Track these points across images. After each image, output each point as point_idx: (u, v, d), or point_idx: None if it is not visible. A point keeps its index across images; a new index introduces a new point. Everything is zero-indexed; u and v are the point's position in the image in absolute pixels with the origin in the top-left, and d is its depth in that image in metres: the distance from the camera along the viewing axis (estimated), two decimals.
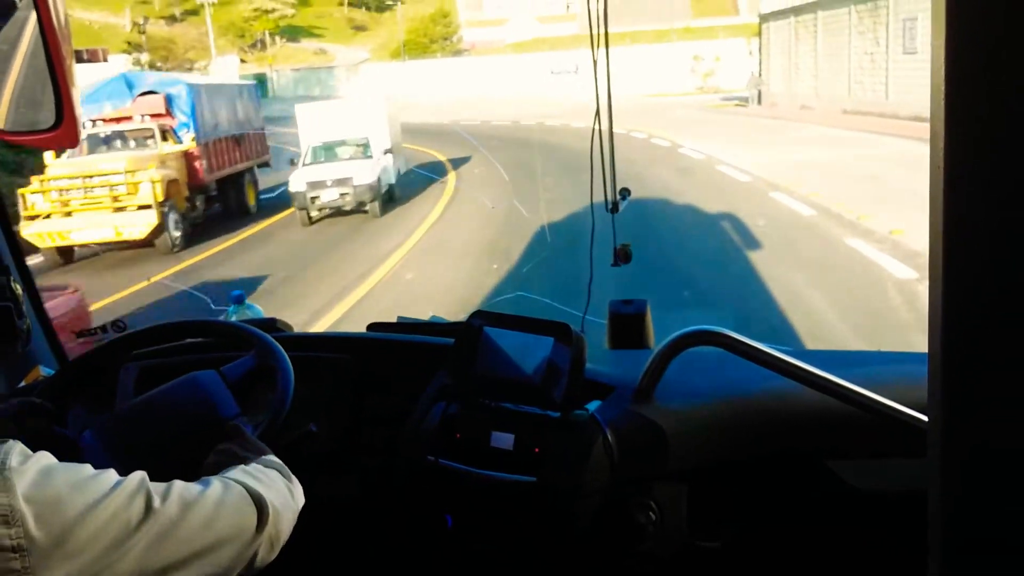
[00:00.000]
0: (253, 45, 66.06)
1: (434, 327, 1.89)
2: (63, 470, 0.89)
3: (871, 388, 1.33)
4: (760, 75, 29.10)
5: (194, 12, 67.10)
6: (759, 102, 28.07)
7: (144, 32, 56.20)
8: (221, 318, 1.98)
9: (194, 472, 1.10)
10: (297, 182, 13.22)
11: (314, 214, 13.24)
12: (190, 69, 51.43)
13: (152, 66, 50.09)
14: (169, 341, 1.72)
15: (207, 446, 1.25)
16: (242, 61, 60.68)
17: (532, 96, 35.58)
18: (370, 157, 13.72)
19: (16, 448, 0.86)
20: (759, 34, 30.44)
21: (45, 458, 0.88)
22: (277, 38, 66.71)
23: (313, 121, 15.67)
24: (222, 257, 11.75)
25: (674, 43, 40.56)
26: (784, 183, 11.87)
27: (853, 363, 1.63)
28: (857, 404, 1.33)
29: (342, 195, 12.93)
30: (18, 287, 1.83)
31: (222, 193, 14.95)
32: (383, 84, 42.81)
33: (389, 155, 14.37)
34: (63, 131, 1.29)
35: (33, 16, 1.20)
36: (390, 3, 71.66)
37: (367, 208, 13.10)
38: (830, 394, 1.35)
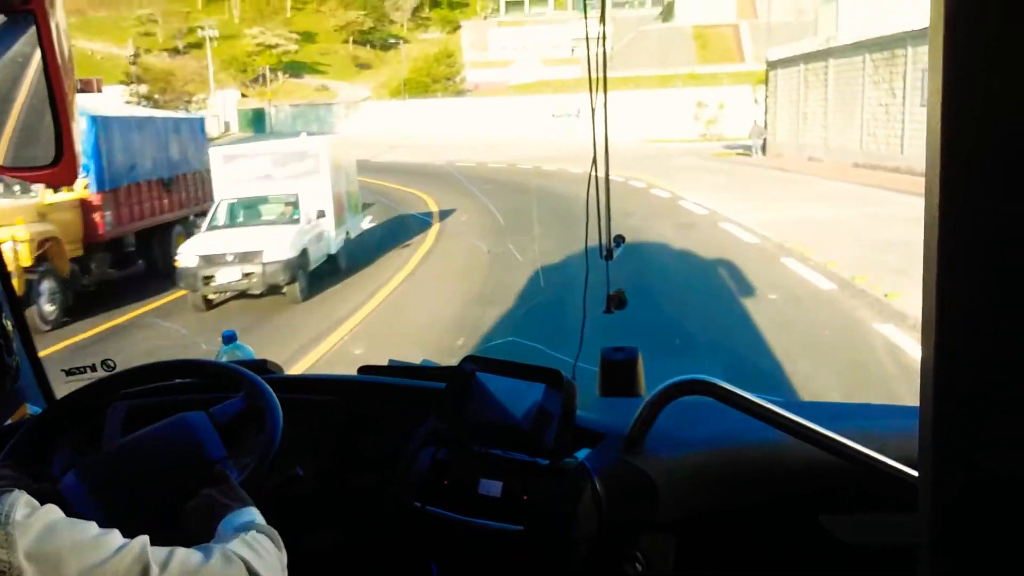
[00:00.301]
0: (255, 80, 65.85)
1: (425, 371, 1.87)
2: (68, 527, 0.89)
3: (862, 441, 1.31)
4: (764, 124, 28.54)
5: (197, 45, 67.33)
6: (763, 152, 27.34)
7: (135, 63, 55.96)
8: (212, 358, 1.93)
9: (176, 515, 1.18)
10: (187, 255, 9.93)
11: (212, 297, 10.09)
12: (188, 102, 51.08)
13: (149, 98, 49.56)
14: (158, 380, 1.70)
15: (192, 488, 1.26)
16: (243, 95, 60.24)
17: (533, 139, 34.87)
18: (296, 221, 10.60)
19: (21, 500, 0.86)
20: (765, 81, 29.82)
21: (51, 512, 0.89)
22: (280, 73, 66.39)
23: (231, 168, 12.09)
24: (90, 341, 8.98)
25: (678, 88, 40.01)
26: (795, 246, 10.82)
27: (844, 415, 1.62)
28: (847, 457, 1.31)
29: (246, 275, 9.64)
30: (8, 323, 1.82)
31: (144, 248, 12.46)
32: (382, 122, 42.18)
33: (326, 218, 11.21)
34: (62, 167, 1.29)
35: (37, 52, 1.19)
36: (394, 42, 71.67)
37: (283, 291, 9.92)
38: (820, 447, 1.33)
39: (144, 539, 0.94)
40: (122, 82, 51.82)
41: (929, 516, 0.58)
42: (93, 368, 1.89)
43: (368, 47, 72.21)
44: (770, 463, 1.46)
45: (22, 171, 1.37)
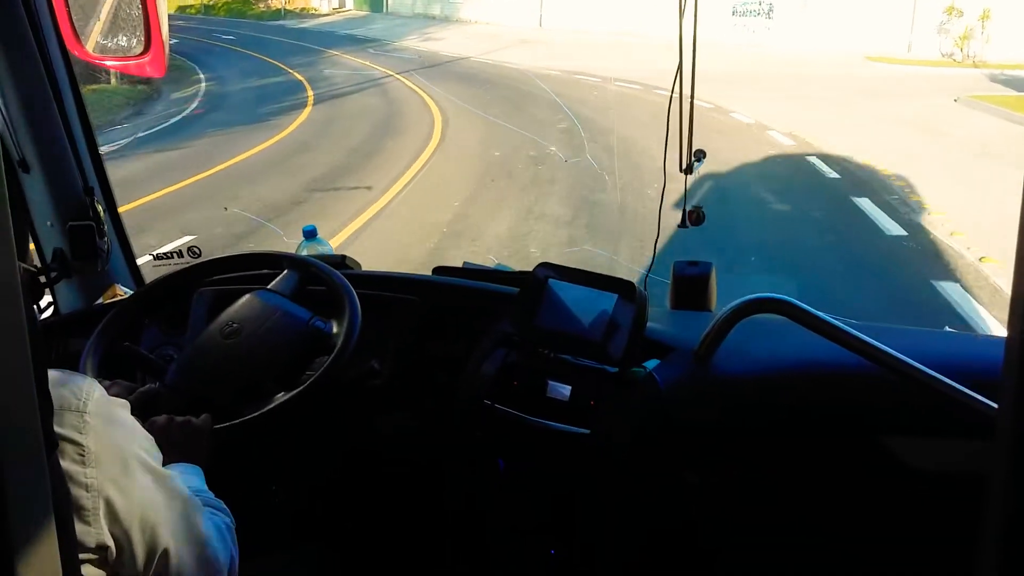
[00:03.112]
0: None
1: (499, 275, 1.91)
2: (134, 428, 0.98)
3: (936, 367, 1.31)
4: None
5: None
6: None
7: None
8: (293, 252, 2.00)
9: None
10: None
11: None
12: None
13: None
14: (244, 270, 1.75)
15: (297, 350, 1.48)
16: None
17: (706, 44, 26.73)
18: None
19: (96, 389, 0.92)
20: None
21: (122, 408, 0.97)
22: None
23: None
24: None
25: None
26: None
27: (920, 340, 1.64)
28: (920, 383, 1.31)
29: None
30: (100, 207, 1.92)
31: None
32: (515, 3, 34.58)
33: None
34: (152, 57, 1.39)
35: None
36: None
37: None
38: (892, 371, 1.33)
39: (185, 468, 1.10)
40: None
41: (1007, 446, 0.57)
42: (180, 254, 1.98)
43: None
44: (840, 384, 1.46)
45: (115, 61, 1.45)
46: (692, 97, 1.61)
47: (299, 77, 17.76)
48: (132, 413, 1.01)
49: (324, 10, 42.27)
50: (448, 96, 14.60)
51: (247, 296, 1.57)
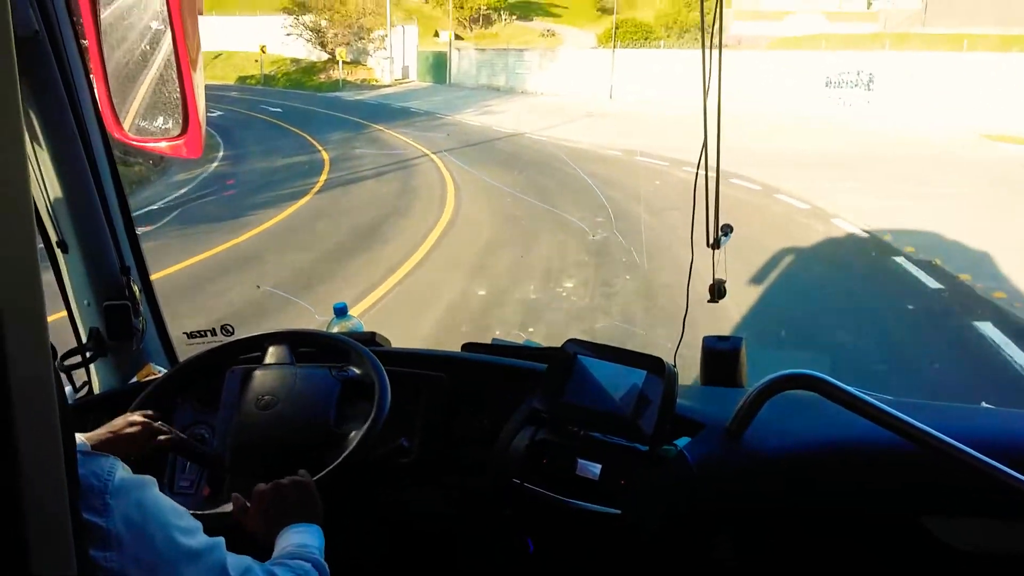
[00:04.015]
0: (475, 19, 57.48)
1: (528, 351, 1.90)
2: (162, 505, 0.94)
3: (973, 444, 1.27)
4: None
5: None
6: None
7: None
8: (324, 328, 2.02)
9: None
10: None
11: None
12: (362, 38, 43.17)
13: (315, 30, 42.50)
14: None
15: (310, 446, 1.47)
16: (458, 37, 52.13)
17: (790, 114, 23.82)
18: None
19: (120, 467, 0.90)
20: None
21: (149, 485, 0.94)
22: (503, 13, 57.70)
23: None
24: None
25: None
26: None
27: (956, 416, 1.60)
28: (957, 460, 1.27)
29: None
30: (136, 287, 1.94)
31: None
32: (588, 74, 32.33)
33: None
34: (188, 138, 1.35)
35: (167, 29, 1.25)
36: None
37: None
38: (928, 448, 1.30)
39: (221, 541, 1.01)
40: (285, 9, 44.39)
41: None
42: (213, 332, 1.97)
43: None
44: (874, 461, 1.42)
45: (151, 142, 1.43)
46: (718, 173, 1.61)
47: (324, 156, 16.95)
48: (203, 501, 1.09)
49: (386, 81, 40.87)
50: (479, 183, 13.26)
51: (280, 369, 1.61)
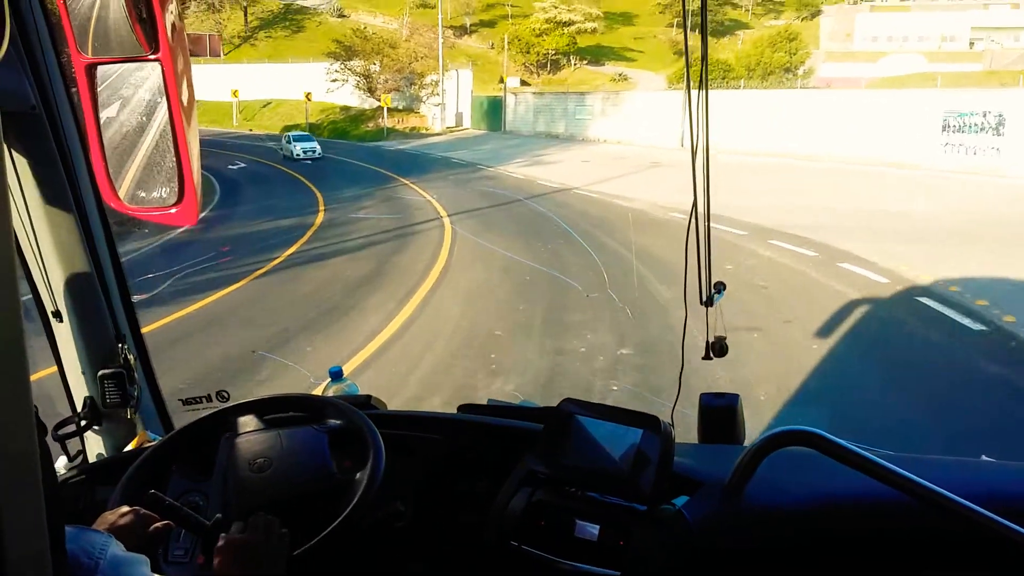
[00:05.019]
0: (543, 65, 54.99)
1: (524, 411, 1.87)
2: None
3: (974, 498, 1.25)
4: None
5: (490, 23, 58.10)
6: None
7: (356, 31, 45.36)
8: (318, 392, 2.01)
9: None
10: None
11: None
12: (413, 84, 40.42)
13: (366, 75, 40.03)
14: (271, 413, 1.74)
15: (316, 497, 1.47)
16: (523, 82, 49.56)
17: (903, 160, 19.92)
18: None
19: (112, 545, 0.89)
20: None
21: (140, 565, 0.92)
22: (572, 57, 55.05)
23: None
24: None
25: None
26: None
27: (956, 470, 1.57)
28: (957, 515, 1.25)
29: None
30: (132, 355, 1.94)
31: None
32: (653, 118, 28.99)
33: None
34: (183, 208, 1.35)
35: (162, 98, 1.27)
36: (730, 25, 57.43)
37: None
38: (929, 504, 1.27)
39: None
40: (331, 53, 41.99)
41: None
42: (208, 399, 1.94)
43: (697, 32, 56.98)
44: (875, 517, 1.39)
45: (146, 211, 1.39)
46: (708, 226, 1.59)
47: (317, 219, 15.17)
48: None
49: (436, 129, 38.20)
50: (485, 260, 10.75)
51: (274, 433, 1.60)
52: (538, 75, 54.33)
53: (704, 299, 1.63)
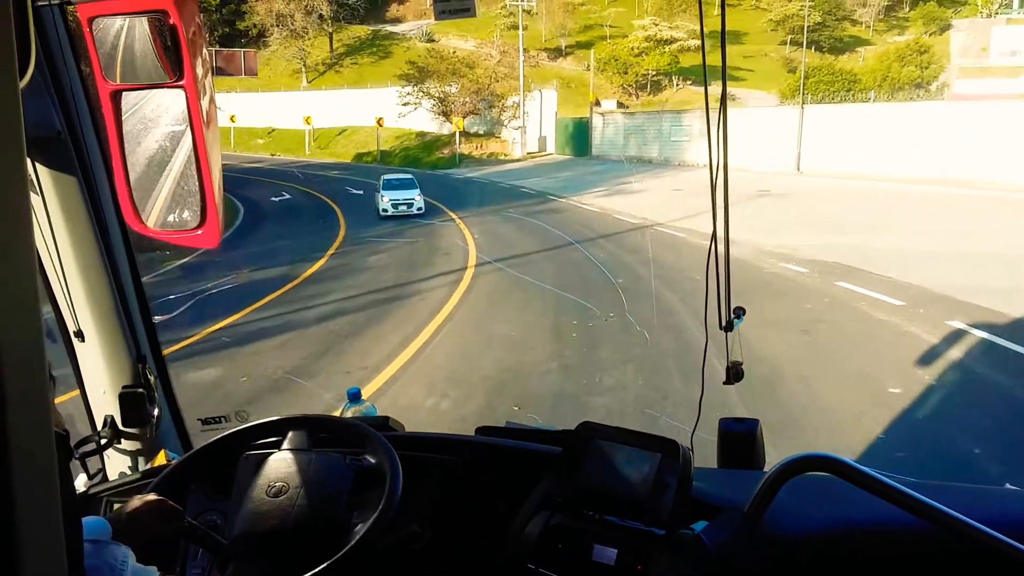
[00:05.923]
0: (642, 86, 51.36)
1: (542, 434, 1.85)
2: None
3: (999, 527, 1.23)
4: None
5: (586, 45, 54.80)
6: None
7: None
8: (336, 413, 1.98)
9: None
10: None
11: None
12: (493, 106, 37.43)
13: (443, 100, 37.45)
14: (317, 433, 1.74)
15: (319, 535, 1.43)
16: (620, 104, 46.24)
17: None
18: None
19: (132, 556, 0.91)
20: None
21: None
22: (674, 77, 51.25)
23: None
24: None
25: None
26: None
27: (979, 498, 1.54)
28: (980, 543, 1.23)
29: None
30: (152, 375, 1.94)
31: None
32: (764, 138, 25.09)
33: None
34: (205, 231, 1.37)
35: (186, 124, 1.28)
36: (849, 42, 52.70)
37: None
38: (950, 531, 1.26)
39: None
40: (403, 75, 39.73)
41: None
42: (227, 419, 1.95)
43: (812, 49, 48.48)
44: (895, 544, 1.38)
45: (169, 234, 1.44)
46: (728, 252, 1.57)
47: (319, 264, 13.11)
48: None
49: (516, 155, 35.11)
50: (501, 342, 8.04)
51: (295, 455, 1.57)
52: (637, 96, 50.44)
53: (724, 324, 1.63)
